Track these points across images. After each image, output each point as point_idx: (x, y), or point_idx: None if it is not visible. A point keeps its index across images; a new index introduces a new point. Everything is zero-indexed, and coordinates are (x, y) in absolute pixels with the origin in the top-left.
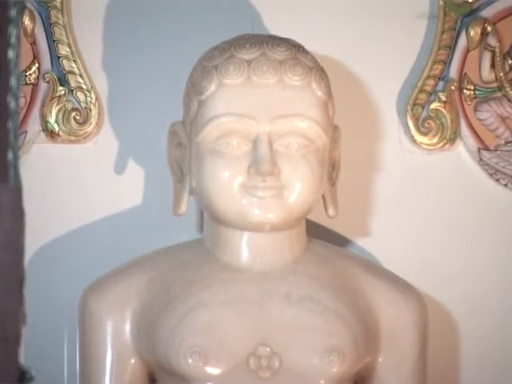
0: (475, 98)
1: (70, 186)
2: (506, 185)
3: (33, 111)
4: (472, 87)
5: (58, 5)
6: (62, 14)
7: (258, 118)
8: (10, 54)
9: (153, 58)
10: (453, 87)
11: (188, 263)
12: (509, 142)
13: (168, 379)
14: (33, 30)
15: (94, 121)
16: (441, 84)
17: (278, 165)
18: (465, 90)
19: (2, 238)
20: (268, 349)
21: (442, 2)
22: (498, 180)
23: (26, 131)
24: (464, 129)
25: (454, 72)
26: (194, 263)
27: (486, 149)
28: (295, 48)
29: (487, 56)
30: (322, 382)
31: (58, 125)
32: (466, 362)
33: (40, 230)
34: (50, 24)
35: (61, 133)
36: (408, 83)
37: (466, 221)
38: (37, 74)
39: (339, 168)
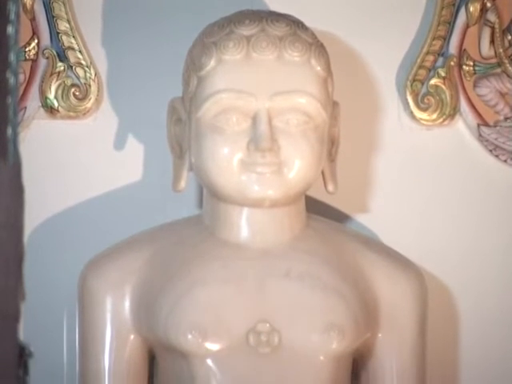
0: (474, 73)
1: (69, 162)
2: (505, 161)
3: (32, 87)
4: (471, 63)
5: None
6: None
7: (257, 95)
8: (10, 30)
9: (152, 33)
10: (452, 63)
11: (187, 240)
12: (508, 118)
13: (167, 355)
14: (32, 5)
15: (93, 97)
16: (440, 60)
17: (277, 141)
18: (464, 66)
19: (2, 215)
20: (267, 325)
21: None
22: (497, 156)
23: (26, 107)
24: (463, 105)
25: (453, 48)
26: (193, 240)
27: (486, 125)
28: (295, 24)
29: (487, 32)
30: (322, 358)
31: (58, 101)
32: (466, 338)
33: (39, 207)
34: (50, 0)
35: (60, 109)
36: (407, 59)
37: (466, 196)
38: (36, 49)
39: (339, 144)
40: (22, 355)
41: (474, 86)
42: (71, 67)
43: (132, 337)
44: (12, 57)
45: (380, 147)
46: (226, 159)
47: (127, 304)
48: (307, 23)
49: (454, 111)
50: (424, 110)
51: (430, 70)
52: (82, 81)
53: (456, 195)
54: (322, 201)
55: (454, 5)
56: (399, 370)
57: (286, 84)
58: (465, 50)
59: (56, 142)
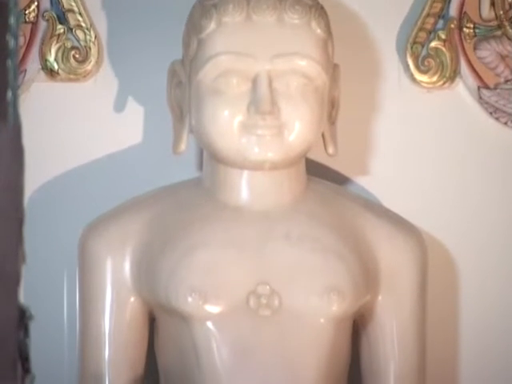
0: (475, 36)
1: (69, 124)
2: (505, 123)
3: (32, 50)
4: (472, 25)
5: None
6: None
7: (257, 57)
8: None
9: None
10: (452, 25)
11: (187, 202)
12: (508, 81)
13: (168, 318)
14: None
15: (93, 59)
16: (441, 22)
17: (277, 104)
18: (464, 29)
19: (2, 177)
20: (268, 287)
21: None
22: (497, 118)
23: (26, 70)
24: (463, 67)
25: (453, 10)
26: (193, 202)
27: (486, 87)
28: None
29: None
30: (322, 320)
31: (58, 63)
32: (466, 299)
33: (39, 169)
34: None
35: (60, 71)
36: (408, 22)
37: (466, 159)
38: (36, 12)
39: (339, 107)
40: (22, 318)
41: (475, 48)
42: (71, 30)
43: (132, 299)
44: (12, 20)
45: (380, 110)
46: (226, 122)
47: (127, 266)
48: None
49: (455, 74)
50: (424, 72)
51: (430, 33)
52: (82, 43)
53: (456, 157)
54: (322, 163)
55: None
56: (399, 331)
57: (286, 46)
58: (465, 12)
59: (56, 104)
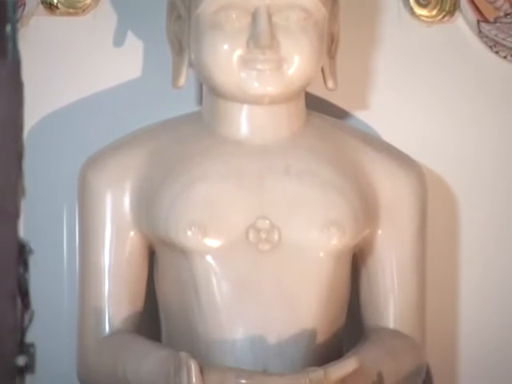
0: None
1: (68, 58)
2: (505, 57)
3: None
4: None
5: None
6: None
7: None
8: None
9: None
10: None
11: (187, 137)
12: (508, 14)
13: (167, 252)
14: None
15: None
16: None
17: (277, 38)
18: None
19: (1, 112)
20: (267, 221)
21: None
22: (497, 52)
23: (25, 4)
24: (463, 1)
25: None
26: (193, 137)
27: (486, 21)
28: None
29: None
30: (322, 254)
31: None
32: (465, 233)
33: (39, 104)
34: None
35: (59, 5)
36: None
37: (465, 93)
38: None
39: (338, 41)
40: (22, 252)
41: None
42: None
43: (132, 233)
44: None
45: (380, 44)
46: (226, 56)
47: (127, 200)
48: None
49: (454, 7)
50: (424, 6)
51: None
52: None
53: (455, 92)
54: (321, 97)
55: None
56: (399, 266)
57: None
58: None
59: (55, 38)
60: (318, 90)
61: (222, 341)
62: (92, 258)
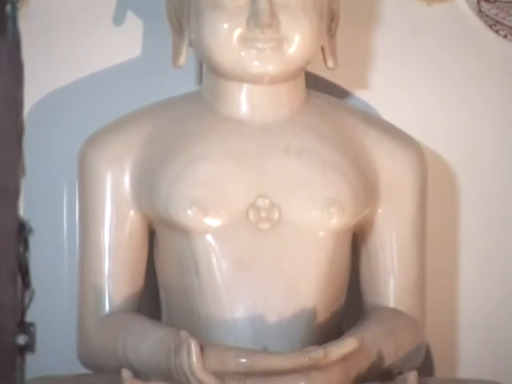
0: None
1: (68, 37)
2: (505, 36)
3: None
4: None
5: None
6: None
7: None
8: None
9: None
10: None
11: (187, 116)
12: None
13: (167, 231)
14: None
15: None
16: None
17: (277, 17)
18: None
19: (1, 91)
20: (267, 200)
21: None
22: (497, 31)
23: None
24: None
25: None
26: (193, 116)
27: (486, 0)
28: None
29: None
30: (322, 233)
31: None
32: (465, 211)
33: (38, 83)
34: None
35: None
36: None
37: (465, 72)
38: None
39: (338, 20)
40: (22, 231)
41: None
42: None
43: (132, 212)
44: None
45: (380, 23)
46: (226, 35)
47: (127, 179)
48: None
49: None
50: None
51: None
52: None
53: (455, 70)
54: (322, 76)
55: None
56: (399, 244)
57: None
58: None
59: (55, 17)
60: (317, 69)
61: (222, 320)
62: (92, 237)
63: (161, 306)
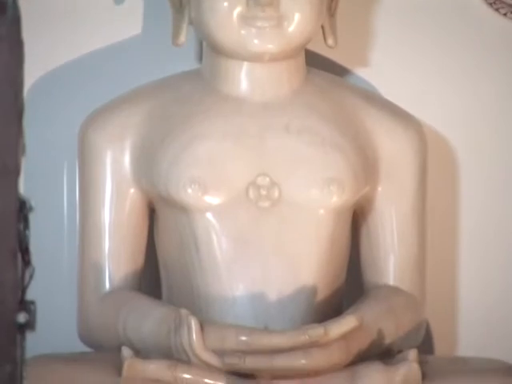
0: None
1: (68, 15)
2: (505, 14)
3: None
4: None
5: None
6: None
7: None
8: None
9: None
10: None
11: (187, 95)
12: None
13: (167, 210)
14: None
15: None
16: None
17: None
18: None
19: (1, 70)
20: (267, 179)
21: None
22: (497, 9)
23: None
24: None
25: None
26: (193, 95)
27: None
28: None
29: None
30: (322, 211)
31: None
32: (465, 188)
33: (38, 62)
34: None
35: None
36: None
37: (465, 50)
38: None
39: None
40: (22, 209)
41: None
42: None
43: (132, 190)
44: None
45: (380, 1)
46: (226, 13)
47: (127, 157)
48: None
49: None
50: None
51: None
52: None
53: (456, 49)
54: (322, 55)
55: None
56: (399, 222)
57: None
58: None
59: None
60: (318, 48)
61: (223, 298)
62: (92, 215)
63: (161, 284)
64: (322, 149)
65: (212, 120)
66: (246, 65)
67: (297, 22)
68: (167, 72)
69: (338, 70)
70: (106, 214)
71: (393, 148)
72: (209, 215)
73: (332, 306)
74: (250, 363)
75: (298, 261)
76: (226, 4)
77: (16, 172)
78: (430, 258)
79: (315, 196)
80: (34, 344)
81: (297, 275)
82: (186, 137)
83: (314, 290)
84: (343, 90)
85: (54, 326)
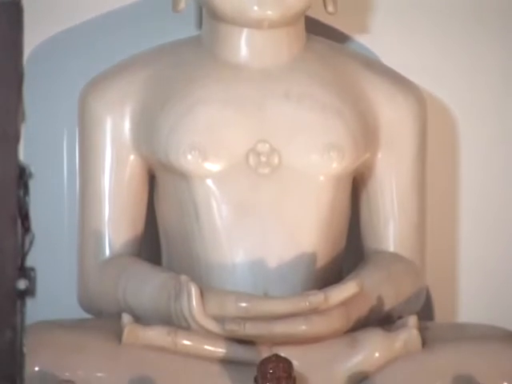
0: None
1: None
2: None
3: None
4: None
5: None
6: None
7: None
8: None
9: None
10: None
11: (187, 61)
12: None
13: (167, 176)
14: None
15: None
16: None
17: None
18: None
19: (1, 37)
20: (267, 145)
21: None
22: None
23: None
24: None
25: None
26: (193, 61)
27: None
28: None
29: None
30: (322, 178)
31: None
32: (465, 156)
33: (38, 28)
34: None
35: None
36: None
37: (467, 18)
38: None
39: None
40: (22, 176)
41: None
42: None
43: (132, 157)
44: None
45: None
46: None
47: (127, 124)
48: None
49: None
50: None
51: None
52: None
53: (457, 16)
54: (322, 21)
55: None
56: (399, 189)
57: None
58: None
59: None
60: (318, 14)
61: (222, 264)
62: (92, 182)
63: (161, 251)
64: (322, 115)
65: (212, 86)
66: (245, 31)
67: None
68: (167, 38)
69: (339, 37)
70: (106, 181)
71: (393, 114)
72: (209, 182)
73: (332, 273)
74: (249, 329)
75: (298, 227)
76: None
77: (16, 138)
78: (430, 224)
79: (315, 162)
80: (34, 310)
81: (297, 241)
82: (186, 103)
83: (313, 257)
84: (343, 57)
85: (53, 293)
